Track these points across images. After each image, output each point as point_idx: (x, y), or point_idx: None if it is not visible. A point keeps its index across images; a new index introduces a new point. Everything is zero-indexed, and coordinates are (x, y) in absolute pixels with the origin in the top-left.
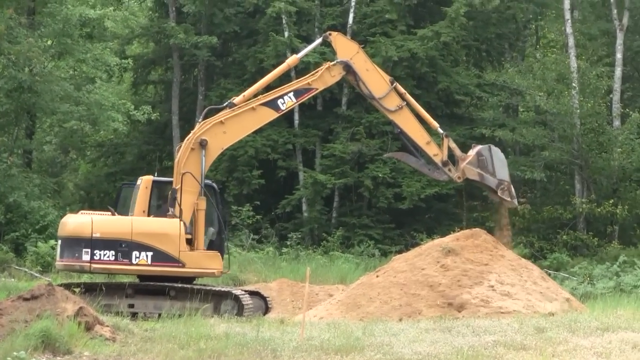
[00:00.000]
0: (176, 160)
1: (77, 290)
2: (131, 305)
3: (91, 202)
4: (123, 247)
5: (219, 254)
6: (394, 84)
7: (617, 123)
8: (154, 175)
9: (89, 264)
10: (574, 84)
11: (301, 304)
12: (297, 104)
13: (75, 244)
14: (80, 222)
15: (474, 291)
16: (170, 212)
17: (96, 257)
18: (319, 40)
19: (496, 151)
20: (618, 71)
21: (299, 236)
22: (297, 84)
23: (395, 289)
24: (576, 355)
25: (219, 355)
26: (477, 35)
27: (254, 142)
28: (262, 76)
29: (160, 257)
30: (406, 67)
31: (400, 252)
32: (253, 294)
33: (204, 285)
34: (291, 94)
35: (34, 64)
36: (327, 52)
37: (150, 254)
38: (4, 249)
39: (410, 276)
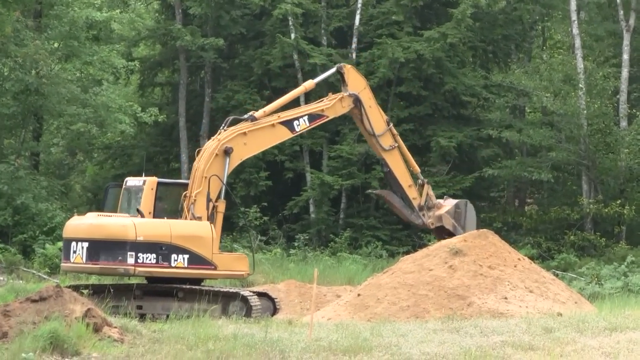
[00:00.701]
0: (196, 164)
1: (85, 291)
2: (139, 307)
3: (98, 204)
4: (163, 250)
5: (245, 256)
6: (390, 124)
7: (624, 124)
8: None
9: (133, 267)
10: (580, 85)
11: (309, 305)
12: (309, 128)
13: (117, 247)
14: (122, 224)
15: (481, 292)
16: (191, 215)
17: (139, 261)
18: (332, 70)
19: (471, 208)
20: (625, 72)
21: (307, 237)
22: (312, 108)
23: (403, 289)
24: (584, 355)
25: (227, 357)
26: (484, 37)
27: None
28: (269, 78)
29: (195, 259)
30: (413, 68)
31: (407, 253)
32: (261, 295)
33: (212, 286)
34: (305, 118)
35: (40, 66)
36: (333, 54)
37: (186, 256)
38: (12, 251)
39: (418, 277)
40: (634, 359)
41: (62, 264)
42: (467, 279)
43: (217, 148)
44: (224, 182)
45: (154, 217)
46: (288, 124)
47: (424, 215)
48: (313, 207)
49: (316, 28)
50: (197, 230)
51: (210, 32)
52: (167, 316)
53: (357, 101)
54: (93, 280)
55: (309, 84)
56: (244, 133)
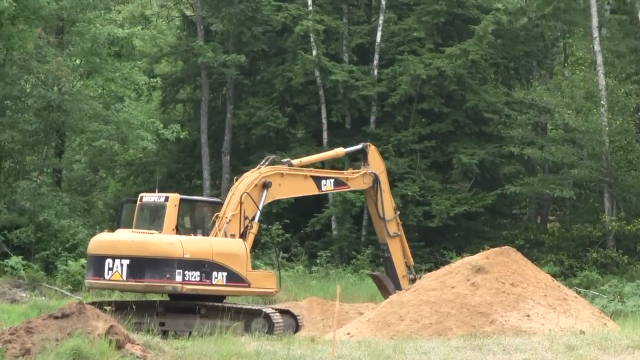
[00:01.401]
0: (234, 189)
1: (107, 308)
2: (162, 324)
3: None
4: (206, 268)
5: (273, 274)
6: (397, 212)
7: None
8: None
9: (181, 285)
10: (602, 102)
11: (331, 322)
12: (333, 190)
13: (164, 264)
14: (169, 242)
15: (504, 309)
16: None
17: (186, 278)
18: (358, 146)
19: None
20: None
21: (329, 254)
22: (338, 174)
23: (425, 307)
24: None
25: None
26: (505, 53)
27: None
28: (291, 95)
29: (232, 277)
30: (434, 85)
31: (429, 270)
32: (283, 312)
33: (235, 303)
34: (332, 181)
35: (62, 82)
36: (355, 71)
37: (225, 274)
38: (35, 268)
39: (441, 294)
40: None
41: (91, 281)
42: (489, 297)
43: (258, 179)
44: (260, 208)
45: (177, 233)
46: (317, 180)
47: None
48: (335, 224)
49: (338, 45)
50: (233, 247)
51: (232, 48)
52: (190, 333)
53: (376, 181)
54: (115, 297)
55: (340, 151)
56: (282, 174)
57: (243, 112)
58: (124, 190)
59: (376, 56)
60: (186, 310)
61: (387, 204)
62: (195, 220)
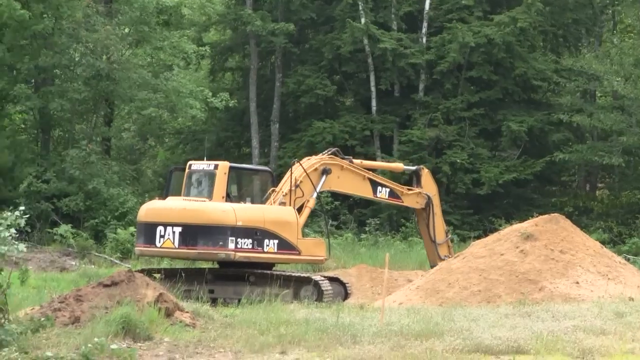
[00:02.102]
0: (295, 167)
1: (157, 276)
2: (211, 291)
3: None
4: (258, 236)
5: (323, 241)
6: (449, 236)
7: None
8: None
9: (234, 252)
10: None
11: (380, 289)
12: (385, 200)
13: (217, 232)
14: (222, 209)
15: (553, 276)
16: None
17: (239, 246)
18: (413, 168)
19: None
20: None
21: (378, 222)
22: (396, 186)
23: (474, 274)
24: None
25: (299, 341)
26: (554, 21)
27: (331, 128)
28: (339, 63)
29: (283, 245)
30: (483, 53)
31: (478, 237)
32: (332, 279)
33: (284, 270)
34: (388, 190)
35: (111, 51)
36: (403, 39)
37: (276, 241)
38: (84, 236)
39: (490, 261)
40: None
41: (141, 248)
42: (538, 264)
43: (319, 163)
44: (317, 193)
45: (227, 201)
46: (373, 184)
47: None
48: None
49: (386, 13)
50: (285, 215)
51: (281, 17)
52: (239, 301)
53: (428, 204)
54: (165, 264)
55: (399, 166)
56: (342, 167)
57: (292, 80)
58: (173, 158)
59: (425, 24)
60: (235, 277)
61: (439, 227)
62: (244, 188)
